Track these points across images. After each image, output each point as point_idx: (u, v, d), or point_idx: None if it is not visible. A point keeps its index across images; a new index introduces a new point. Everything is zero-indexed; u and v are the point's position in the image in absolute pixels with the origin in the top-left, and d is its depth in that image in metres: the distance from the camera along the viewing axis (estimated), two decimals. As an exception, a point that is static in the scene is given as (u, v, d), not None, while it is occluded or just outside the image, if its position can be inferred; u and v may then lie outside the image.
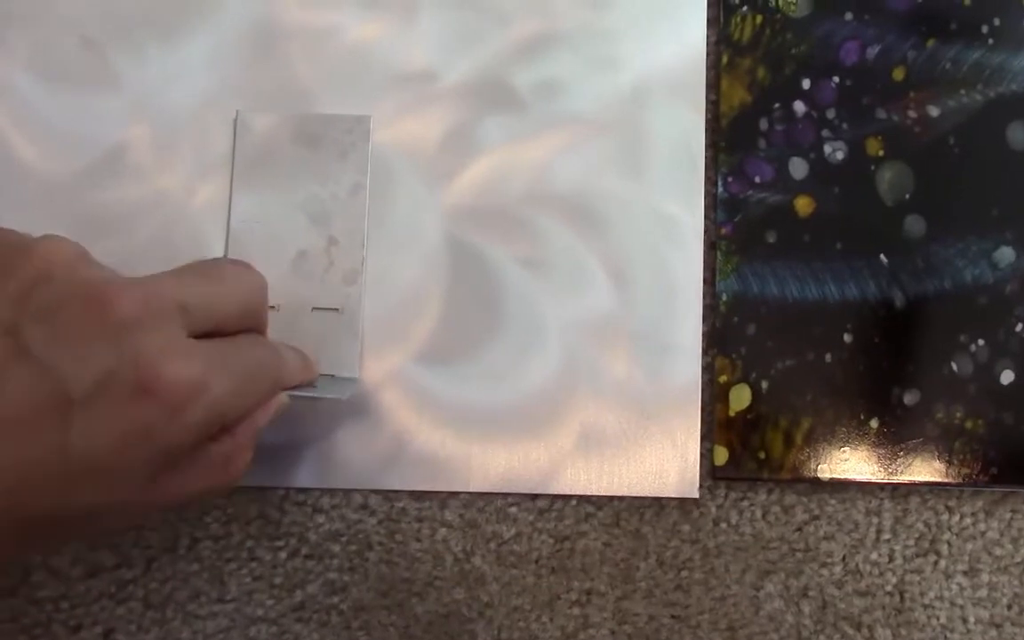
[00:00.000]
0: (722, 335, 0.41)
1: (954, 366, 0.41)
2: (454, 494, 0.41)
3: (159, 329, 0.30)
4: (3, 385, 0.29)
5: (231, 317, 0.34)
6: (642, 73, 0.42)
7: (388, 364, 0.41)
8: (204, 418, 0.31)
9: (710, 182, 0.42)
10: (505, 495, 0.40)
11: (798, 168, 0.42)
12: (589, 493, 0.40)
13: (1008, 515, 0.41)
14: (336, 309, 0.40)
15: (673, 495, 0.40)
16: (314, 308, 0.40)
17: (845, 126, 0.42)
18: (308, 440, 0.40)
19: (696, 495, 0.40)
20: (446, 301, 0.41)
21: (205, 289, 0.33)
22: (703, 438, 0.40)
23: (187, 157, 0.42)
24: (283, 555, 0.40)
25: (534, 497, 0.41)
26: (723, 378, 0.41)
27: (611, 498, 0.41)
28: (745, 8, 0.42)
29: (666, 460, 0.40)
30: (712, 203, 0.42)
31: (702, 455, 0.40)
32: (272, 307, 0.40)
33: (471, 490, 0.40)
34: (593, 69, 0.42)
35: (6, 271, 0.30)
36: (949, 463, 0.40)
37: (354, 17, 0.43)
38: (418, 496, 0.41)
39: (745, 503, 0.41)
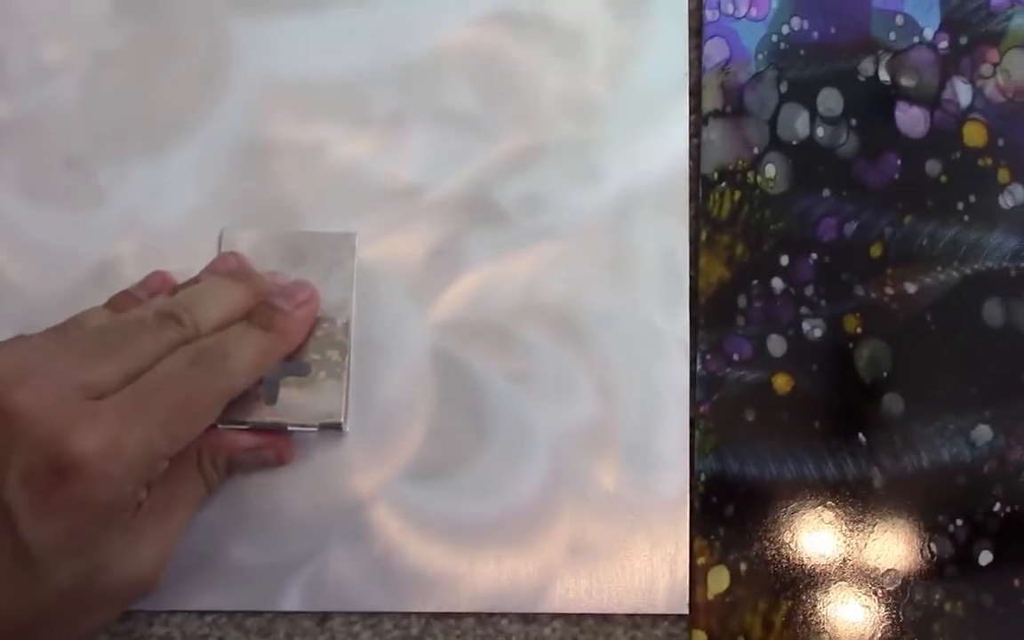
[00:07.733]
0: (700, 516, 0.40)
1: (933, 547, 0.40)
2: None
3: (57, 407, 0.32)
4: None
5: (155, 350, 0.35)
6: (626, 184, 0.42)
7: (376, 479, 0.41)
8: (130, 470, 0.32)
9: (690, 360, 0.41)
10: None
11: (776, 345, 0.42)
12: (579, 611, 0.40)
13: (988, 698, 0.40)
14: (314, 427, 0.40)
15: (663, 612, 0.40)
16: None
17: (823, 303, 0.42)
18: (294, 561, 0.40)
19: (686, 611, 0.40)
20: (433, 415, 0.41)
21: (104, 360, 0.34)
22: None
23: (175, 272, 0.41)
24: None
25: (509, 680, 0.40)
26: (701, 560, 0.40)
27: (600, 616, 0.40)
28: (723, 184, 0.42)
29: (657, 576, 0.40)
30: (691, 379, 0.41)
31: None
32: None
33: (460, 610, 0.40)
34: (577, 182, 0.43)
35: None
36: (928, 645, 0.40)
37: (341, 134, 0.43)
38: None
39: (723, 688, 0.40)
